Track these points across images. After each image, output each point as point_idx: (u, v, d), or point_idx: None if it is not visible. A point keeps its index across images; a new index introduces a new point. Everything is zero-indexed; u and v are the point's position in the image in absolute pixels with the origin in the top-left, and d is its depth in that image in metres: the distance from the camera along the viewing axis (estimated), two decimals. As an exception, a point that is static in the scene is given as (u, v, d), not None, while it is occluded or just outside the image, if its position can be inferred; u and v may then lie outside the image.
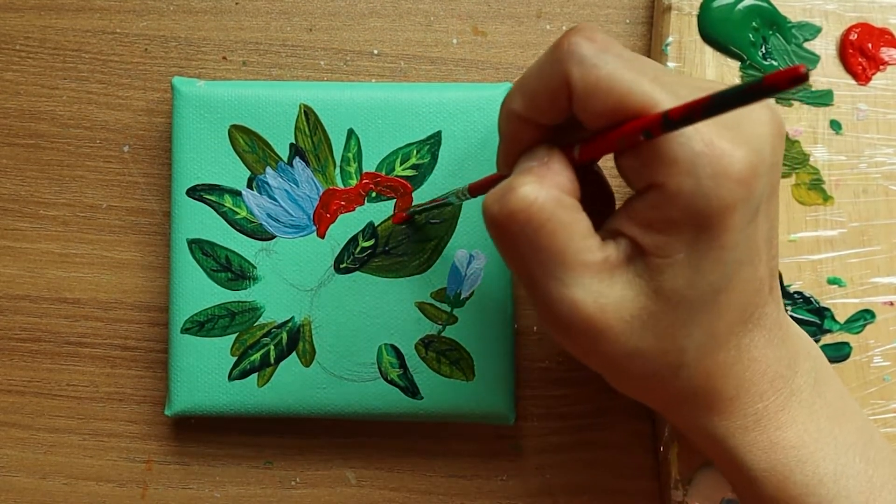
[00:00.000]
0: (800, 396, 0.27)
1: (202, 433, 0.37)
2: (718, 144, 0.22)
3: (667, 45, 0.35)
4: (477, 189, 0.29)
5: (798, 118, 0.36)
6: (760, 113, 0.24)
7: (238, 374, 0.34)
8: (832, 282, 0.35)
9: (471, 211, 0.35)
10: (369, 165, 0.34)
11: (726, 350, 0.25)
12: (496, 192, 0.24)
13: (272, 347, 0.34)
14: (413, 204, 0.34)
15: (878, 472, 0.26)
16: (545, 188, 0.24)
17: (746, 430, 0.26)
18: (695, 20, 0.36)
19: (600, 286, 0.24)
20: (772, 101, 0.25)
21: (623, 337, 0.24)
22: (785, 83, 0.17)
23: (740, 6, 0.36)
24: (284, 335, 0.34)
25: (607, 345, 0.24)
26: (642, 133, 0.22)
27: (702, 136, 0.22)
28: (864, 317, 0.35)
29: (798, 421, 0.26)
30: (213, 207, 0.34)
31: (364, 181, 0.34)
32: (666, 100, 0.22)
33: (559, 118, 0.25)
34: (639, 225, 0.24)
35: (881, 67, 0.36)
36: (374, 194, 0.34)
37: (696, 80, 0.24)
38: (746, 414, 0.26)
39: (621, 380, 0.26)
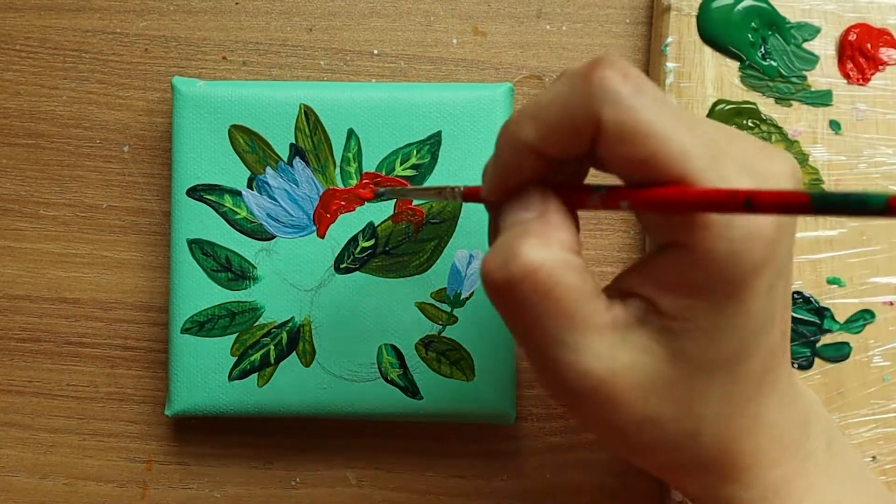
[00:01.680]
0: (815, 460, 0.26)
1: (202, 433, 0.36)
2: None
3: (666, 45, 0.35)
4: (470, 196, 0.28)
5: (797, 118, 0.36)
6: (783, 167, 0.22)
7: (238, 374, 0.34)
8: (832, 281, 0.35)
9: (471, 211, 0.35)
10: (369, 165, 0.34)
11: (743, 417, 0.24)
12: (496, 258, 0.22)
13: (272, 347, 0.34)
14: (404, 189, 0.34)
15: None
16: (551, 249, 0.22)
17: (765, 502, 0.25)
18: (694, 20, 0.36)
19: (611, 350, 0.22)
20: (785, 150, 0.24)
21: (636, 404, 0.22)
22: None
23: (739, 6, 0.36)
24: (284, 335, 0.34)
25: (617, 412, 0.22)
26: (695, 209, 0.20)
27: None
28: (864, 317, 0.35)
29: (816, 487, 0.25)
30: (213, 207, 0.34)
31: (364, 181, 0.34)
32: (701, 156, 0.21)
33: (575, 154, 0.22)
34: (657, 286, 0.22)
35: (880, 67, 0.36)
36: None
37: (726, 128, 0.23)
38: (765, 485, 0.25)
39: (629, 448, 0.24)
